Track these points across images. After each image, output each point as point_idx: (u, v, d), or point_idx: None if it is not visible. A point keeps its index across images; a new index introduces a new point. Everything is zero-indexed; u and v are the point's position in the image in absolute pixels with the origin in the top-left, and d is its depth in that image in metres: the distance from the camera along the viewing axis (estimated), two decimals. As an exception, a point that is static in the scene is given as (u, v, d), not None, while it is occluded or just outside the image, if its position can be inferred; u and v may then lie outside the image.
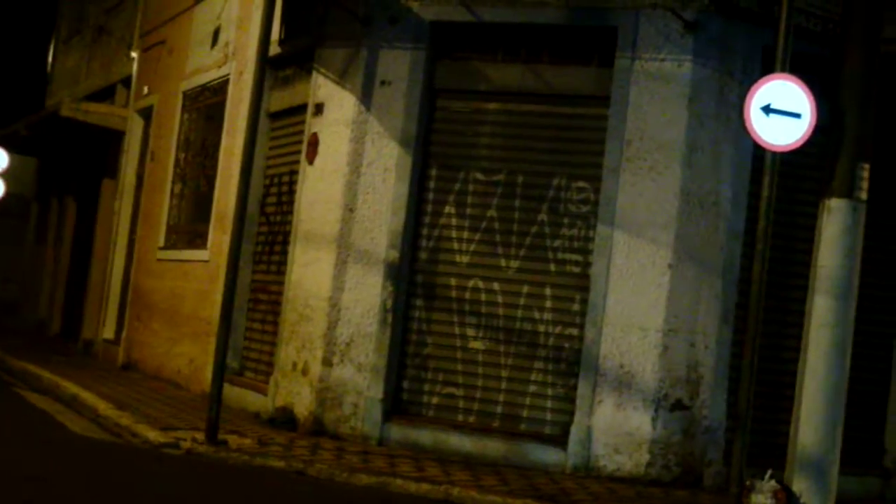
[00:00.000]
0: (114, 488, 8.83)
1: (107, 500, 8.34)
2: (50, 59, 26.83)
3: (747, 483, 9.25)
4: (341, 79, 12.40)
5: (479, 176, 11.93)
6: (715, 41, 11.14)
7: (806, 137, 9.36)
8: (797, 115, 9.32)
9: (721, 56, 11.14)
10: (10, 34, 29.34)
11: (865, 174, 9.52)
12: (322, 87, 12.62)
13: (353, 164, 12.14)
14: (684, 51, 11.10)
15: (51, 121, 21.02)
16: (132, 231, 18.81)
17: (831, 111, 9.62)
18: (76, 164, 23.57)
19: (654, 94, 11.14)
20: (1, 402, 13.54)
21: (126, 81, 20.08)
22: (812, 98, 9.36)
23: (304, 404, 12.07)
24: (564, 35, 11.69)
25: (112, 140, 20.15)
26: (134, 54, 19.53)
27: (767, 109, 9.35)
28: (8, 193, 25.24)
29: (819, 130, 9.47)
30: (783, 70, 9.49)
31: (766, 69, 10.13)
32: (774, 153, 9.54)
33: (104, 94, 21.53)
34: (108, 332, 19.03)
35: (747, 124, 9.42)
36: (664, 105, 11.10)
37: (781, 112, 9.33)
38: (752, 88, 9.46)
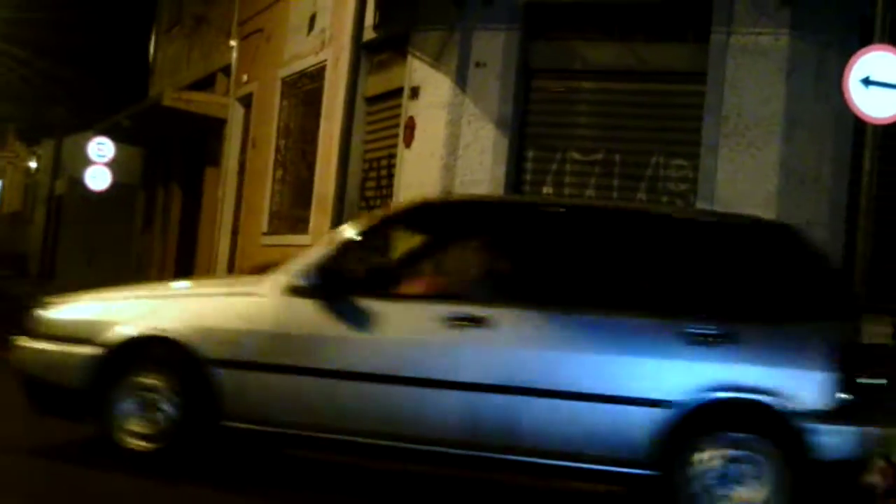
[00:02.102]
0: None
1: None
2: (151, 49, 27.25)
3: (854, 461, 9.12)
4: (436, 61, 12.42)
5: (577, 156, 11.89)
6: (811, 13, 10.94)
7: (907, 109, 9.20)
8: (898, 87, 9.17)
9: (818, 28, 10.94)
10: (112, 26, 29.84)
11: (969, 145, 9.35)
12: (417, 70, 12.66)
13: (450, 147, 12.17)
14: (781, 24, 10.93)
15: (154, 110, 21.36)
16: (236, 218, 19.04)
17: (934, 81, 9.43)
18: (180, 152, 23.92)
19: (751, 68, 11.00)
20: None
21: (226, 70, 20.32)
22: (912, 69, 9.19)
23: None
24: (659, 11, 11.59)
25: (214, 128, 20.41)
26: (233, 43, 19.74)
27: (867, 81, 9.20)
28: (115, 182, 25.71)
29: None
30: (882, 41, 9.32)
31: (865, 40, 9.94)
32: (875, 126, 9.38)
33: (205, 83, 21.82)
34: (215, 318, 19.23)
35: (847, 97, 9.28)
36: (762, 80, 10.96)
37: (881, 84, 9.18)
38: (851, 60, 9.31)
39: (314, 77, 15.95)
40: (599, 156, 11.78)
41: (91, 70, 31.03)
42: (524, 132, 12.09)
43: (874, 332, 7.19)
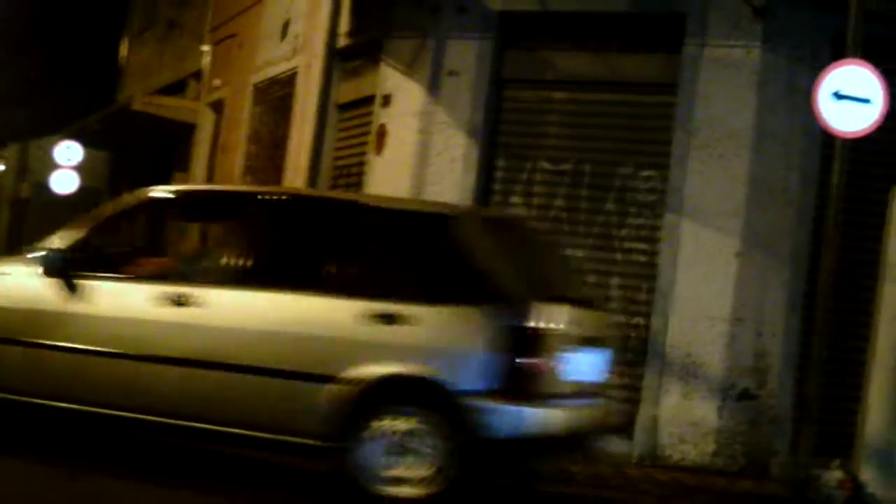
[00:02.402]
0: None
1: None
2: (122, 53, 27.14)
3: (814, 473, 9.18)
4: (409, 69, 12.43)
5: (547, 165, 11.91)
6: (784, 27, 11.00)
7: (877, 123, 9.26)
8: (867, 101, 9.22)
9: (791, 42, 10.99)
10: (82, 28, 29.70)
11: (937, 160, 9.43)
12: (390, 78, 12.66)
13: (420, 155, 12.17)
14: (753, 37, 10.99)
15: (123, 114, 21.27)
16: (203, 223, 18.96)
17: (903, 96, 9.51)
18: (148, 157, 23.82)
19: (723, 81, 11.05)
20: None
21: (197, 75, 20.27)
22: (884, 83, 9.25)
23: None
24: (633, 23, 11.63)
25: (183, 133, 20.34)
26: (205, 48, 19.69)
27: (837, 95, 9.27)
28: (82, 186, 25.58)
29: (890, 116, 9.37)
30: (854, 55, 9.39)
31: (837, 54, 10.01)
32: (844, 140, 9.44)
33: (176, 88, 21.74)
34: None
35: (816, 110, 9.34)
36: (733, 92, 11.01)
37: (852, 98, 9.24)
38: (822, 74, 9.38)
39: (285, 83, 15.91)
40: (569, 166, 11.79)
41: (60, 73, 30.88)
42: (495, 141, 12.11)
43: (549, 318, 7.51)
